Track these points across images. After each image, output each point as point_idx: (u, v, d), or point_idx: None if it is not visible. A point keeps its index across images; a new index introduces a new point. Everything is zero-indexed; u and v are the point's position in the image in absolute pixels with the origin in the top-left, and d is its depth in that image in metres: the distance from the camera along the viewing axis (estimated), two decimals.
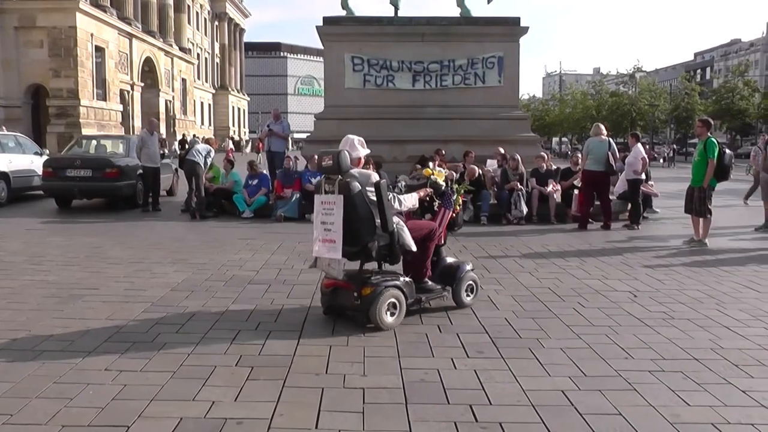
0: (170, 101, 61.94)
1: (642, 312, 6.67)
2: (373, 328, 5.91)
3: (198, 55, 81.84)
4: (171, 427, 3.90)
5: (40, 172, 16.93)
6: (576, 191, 14.22)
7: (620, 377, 4.79)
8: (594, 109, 74.40)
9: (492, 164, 15.38)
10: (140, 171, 16.14)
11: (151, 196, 15.91)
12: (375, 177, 6.04)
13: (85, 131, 38.20)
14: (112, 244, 10.81)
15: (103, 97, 44.87)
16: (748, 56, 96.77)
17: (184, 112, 67.43)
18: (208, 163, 15.17)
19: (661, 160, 51.60)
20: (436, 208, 6.69)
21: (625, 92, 74.74)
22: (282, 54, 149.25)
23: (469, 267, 6.85)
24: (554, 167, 15.34)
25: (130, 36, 50.93)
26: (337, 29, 17.12)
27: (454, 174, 13.52)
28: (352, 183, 5.87)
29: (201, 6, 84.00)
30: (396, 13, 17.93)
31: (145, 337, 5.61)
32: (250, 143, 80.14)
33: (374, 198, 5.95)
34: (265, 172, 15.95)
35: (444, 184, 6.71)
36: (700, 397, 4.45)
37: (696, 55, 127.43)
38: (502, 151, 15.26)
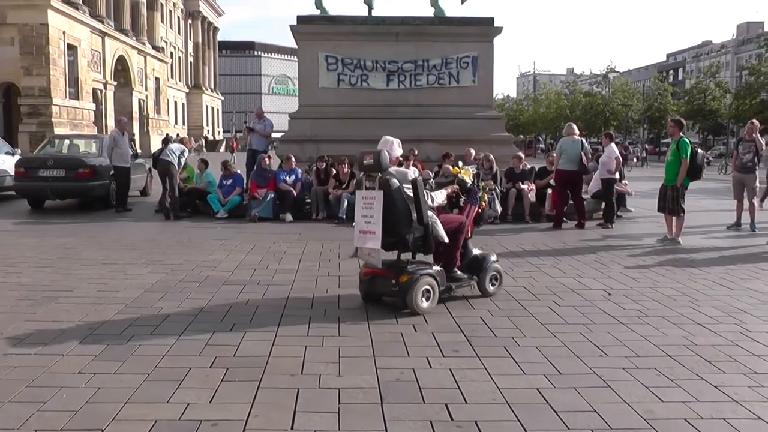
0: (143, 100, 61.43)
1: (616, 310, 6.73)
2: (349, 330, 5.91)
3: (171, 53, 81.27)
4: (146, 429, 3.87)
5: (12, 173, 16.72)
6: (549, 191, 14.30)
7: (595, 375, 4.82)
8: (568, 108, 75.03)
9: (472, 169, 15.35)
10: (112, 171, 15.96)
11: (121, 197, 15.77)
12: (412, 174, 6.66)
13: (57, 130, 37.78)
14: (85, 245, 10.70)
15: (75, 95, 44.41)
16: (719, 57, 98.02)
17: (158, 112, 66.92)
18: (182, 163, 15.07)
19: (635, 160, 52.10)
20: (461, 204, 7.26)
21: (599, 92, 75.51)
22: (256, 53, 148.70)
23: (494, 258, 7.40)
24: (529, 167, 15.42)
25: (103, 34, 50.45)
26: (311, 28, 17.10)
27: (430, 173, 13.57)
28: (391, 180, 6.48)
29: (174, 4, 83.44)
30: (370, 12, 17.93)
31: (119, 339, 5.56)
32: (224, 142, 79.78)
33: (411, 194, 6.54)
34: (239, 171, 15.86)
35: (470, 181, 7.22)
36: (673, 393, 4.49)
37: (668, 56, 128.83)
38: (473, 152, 15.30)
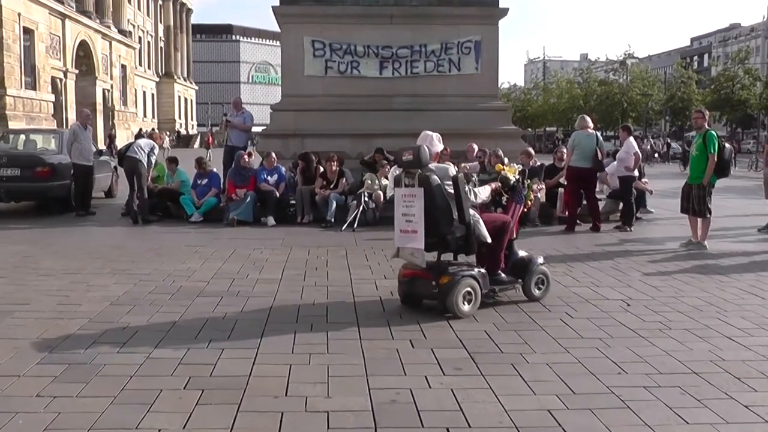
0: (109, 90, 61.42)
1: (636, 322, 6.74)
2: (339, 346, 5.91)
3: (140, 38, 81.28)
4: None
5: None
6: (561, 190, 14.31)
7: (612, 394, 4.83)
8: (581, 98, 75.26)
9: (474, 166, 15.27)
10: (73, 170, 15.89)
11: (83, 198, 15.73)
12: (452, 171, 7.07)
13: (12, 125, 37.66)
14: (43, 252, 10.67)
15: (32, 85, 44.32)
16: (749, 42, 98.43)
17: (125, 103, 66.91)
18: (152, 161, 15.03)
19: (656, 155, 52.27)
20: (504, 202, 7.55)
21: (616, 81, 75.75)
22: (234, 37, 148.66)
23: (540, 260, 7.69)
24: (538, 164, 15.44)
25: (63, 16, 50.41)
26: (296, 9, 17.07)
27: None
28: (431, 176, 6.82)
29: None
30: None
31: (81, 357, 5.54)
32: (198, 137, 79.72)
33: (452, 191, 6.89)
34: (215, 170, 15.83)
35: (514, 179, 7.51)
36: (700, 414, 4.50)
37: (692, 40, 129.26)
38: (476, 147, 15.30)
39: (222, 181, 15.40)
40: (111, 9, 64.38)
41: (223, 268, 9.41)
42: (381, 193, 14.15)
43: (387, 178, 14.50)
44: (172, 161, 15.93)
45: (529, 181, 7.85)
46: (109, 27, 61.98)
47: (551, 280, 7.76)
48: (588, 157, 13.28)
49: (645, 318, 6.91)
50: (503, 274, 7.43)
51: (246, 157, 15.02)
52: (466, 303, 6.84)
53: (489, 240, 7.09)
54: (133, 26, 77.53)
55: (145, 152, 14.71)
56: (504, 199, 7.55)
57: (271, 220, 14.03)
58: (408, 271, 7.15)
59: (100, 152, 18.74)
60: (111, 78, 62.19)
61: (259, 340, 6.04)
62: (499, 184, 7.48)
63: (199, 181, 15.17)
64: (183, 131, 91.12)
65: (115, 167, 19.29)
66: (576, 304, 7.46)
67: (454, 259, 7.33)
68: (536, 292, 7.55)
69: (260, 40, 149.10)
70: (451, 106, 16.66)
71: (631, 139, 14.26)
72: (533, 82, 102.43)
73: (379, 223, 13.73)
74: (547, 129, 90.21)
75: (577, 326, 6.59)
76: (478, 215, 7.15)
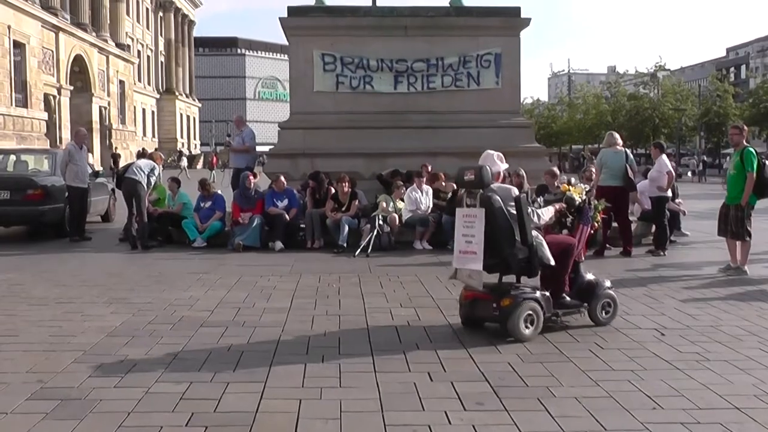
0: (105, 108, 61.82)
1: (671, 353, 6.70)
2: (352, 379, 5.89)
3: (139, 52, 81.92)
4: None
5: None
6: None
7: (647, 431, 4.79)
8: (609, 114, 75.28)
9: None
10: (67, 192, 15.95)
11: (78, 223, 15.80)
12: (515, 191, 7.37)
13: (1, 144, 37.92)
14: (35, 280, 10.72)
15: (23, 103, 44.64)
16: None
17: (123, 121, 67.34)
18: (152, 183, 15.07)
19: (690, 174, 52.10)
20: (568, 224, 7.85)
21: (646, 94, 75.64)
22: (239, 51, 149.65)
23: (607, 284, 7.94)
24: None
25: (57, 29, 50.82)
26: (305, 21, 17.19)
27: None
28: (493, 197, 7.14)
29: None
30: (374, 2, 18.02)
31: (75, 393, 5.55)
32: (202, 158, 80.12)
33: (514, 212, 7.19)
34: (220, 192, 15.87)
35: (580, 199, 7.79)
36: None
37: (728, 50, 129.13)
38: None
39: (227, 204, 15.40)
40: (108, 21, 64.85)
41: (228, 297, 9.42)
42: (396, 216, 14.18)
43: (403, 200, 14.56)
44: (175, 181, 15.98)
45: (596, 201, 8.12)
46: (106, 40, 62.49)
47: (618, 305, 7.98)
48: (618, 176, 13.27)
49: (681, 348, 6.87)
50: (568, 298, 7.68)
51: (251, 178, 15.01)
52: (527, 326, 7.10)
53: (552, 262, 7.34)
54: (132, 40, 78.13)
55: (144, 173, 14.72)
56: (569, 220, 7.84)
57: (279, 245, 14.05)
58: (469, 293, 7.48)
59: (96, 174, 18.85)
60: (108, 95, 62.63)
61: (266, 373, 6.03)
62: (564, 205, 7.76)
63: (202, 204, 15.20)
64: (186, 151, 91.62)
65: (113, 189, 19.40)
66: (606, 334, 7.43)
67: (516, 282, 7.55)
68: (602, 317, 7.79)
69: (267, 53, 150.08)
70: (470, 123, 16.67)
71: (664, 156, 14.21)
72: (558, 96, 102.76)
73: (395, 248, 13.77)
74: (574, 147, 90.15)
75: (607, 357, 6.55)
76: (541, 237, 7.43)
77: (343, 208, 14.47)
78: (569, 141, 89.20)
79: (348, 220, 14.11)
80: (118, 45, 67.11)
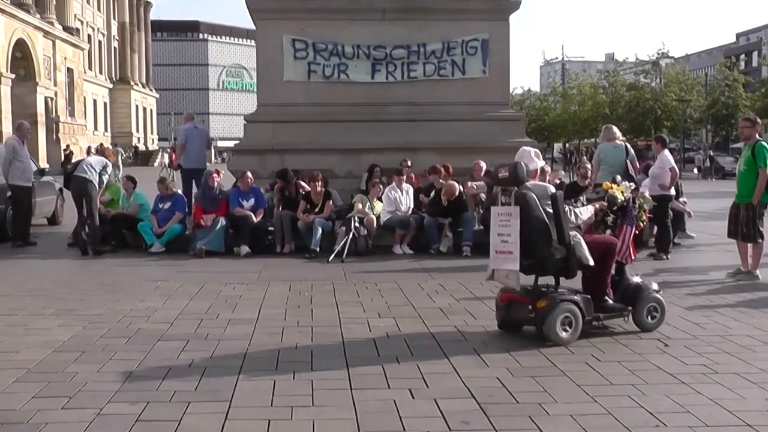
0: (52, 99, 61.32)
1: (675, 365, 6.74)
2: (326, 397, 5.89)
3: (89, 37, 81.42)
4: None
5: None
6: None
7: None
8: (607, 106, 75.44)
9: (481, 186, 15.26)
10: (9, 192, 15.85)
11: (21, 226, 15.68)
12: (551, 189, 7.72)
13: None
14: None
15: None
16: None
17: (71, 114, 66.82)
18: (104, 182, 15.00)
19: (695, 171, 52.39)
20: (610, 224, 8.11)
21: (647, 84, 75.87)
22: (201, 36, 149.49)
23: (654, 287, 8.19)
24: (558, 181, 15.47)
25: None
26: (274, 3, 17.19)
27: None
28: (528, 194, 7.45)
29: None
30: None
31: (16, 416, 5.51)
32: (160, 154, 79.75)
33: (551, 210, 7.49)
34: (180, 192, 15.82)
35: (622, 198, 8.05)
36: None
37: (738, 36, 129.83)
38: (483, 165, 15.31)
39: (187, 204, 15.36)
40: (54, 2, 64.37)
41: (189, 307, 9.39)
42: (374, 217, 14.16)
43: (381, 200, 14.56)
44: (131, 180, 15.89)
45: (641, 200, 8.41)
46: (52, 23, 61.92)
47: (666, 310, 8.15)
48: (617, 173, 13.30)
49: (686, 360, 6.91)
50: (611, 301, 7.92)
51: (215, 176, 14.97)
52: (565, 329, 7.37)
53: (591, 263, 7.60)
54: (82, 23, 77.61)
55: (96, 171, 14.63)
56: (610, 219, 8.09)
57: (245, 250, 14.01)
58: (505, 295, 7.83)
59: (42, 172, 18.74)
60: (55, 84, 62.08)
61: (231, 392, 6.02)
62: (605, 203, 8.04)
63: (160, 205, 15.12)
64: (141, 146, 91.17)
65: (61, 189, 19.26)
66: (603, 345, 7.46)
67: (555, 284, 7.82)
68: (648, 321, 7.98)
69: (232, 39, 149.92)
70: (455, 115, 16.72)
71: (666, 152, 14.27)
72: (550, 86, 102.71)
73: (372, 252, 13.75)
74: (553, 143, 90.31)
75: (605, 371, 6.58)
76: (579, 236, 7.74)
77: (316, 210, 14.45)
78: (563, 135, 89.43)
79: (321, 222, 14.08)
80: (66, 28, 66.56)
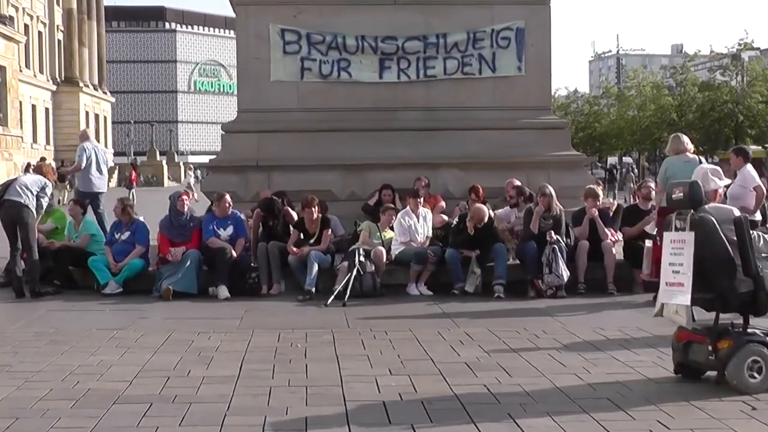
0: None
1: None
2: None
3: (27, 27, 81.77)
4: None
5: None
6: (649, 243, 14.28)
7: None
8: (674, 110, 75.38)
9: (507, 214, 15.23)
10: None
11: None
12: (735, 212, 8.02)
13: None
14: None
15: None
16: None
17: (3, 123, 67.05)
18: (44, 206, 14.94)
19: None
20: None
21: (726, 83, 75.80)
22: (168, 26, 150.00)
23: None
24: (615, 204, 15.45)
25: None
26: None
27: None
28: (705, 218, 7.82)
29: None
30: None
31: None
32: (116, 171, 79.83)
33: (734, 237, 7.81)
34: (142, 219, 15.77)
35: None
36: None
37: None
38: (517, 183, 15.30)
39: (148, 234, 15.32)
40: None
41: (152, 362, 9.41)
42: (383, 250, 14.13)
43: (392, 229, 14.53)
44: (79, 204, 15.89)
45: None
46: None
47: None
48: None
49: None
50: None
51: (185, 199, 14.95)
52: (754, 375, 7.63)
53: None
54: (17, 9, 77.72)
55: (32, 193, 14.48)
56: None
57: (223, 292, 13.98)
58: (682, 334, 8.18)
59: None
60: None
61: None
62: None
63: (117, 235, 15.10)
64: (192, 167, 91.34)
65: None
66: (672, 408, 7.42)
67: (744, 322, 8.08)
68: None
69: (206, 29, 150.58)
70: (483, 123, 16.74)
71: (750, 167, 14.26)
72: (602, 86, 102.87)
73: (381, 293, 13.73)
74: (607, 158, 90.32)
75: None
76: None
77: (311, 241, 14.43)
78: (619, 146, 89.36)
79: (318, 256, 14.06)
80: None
